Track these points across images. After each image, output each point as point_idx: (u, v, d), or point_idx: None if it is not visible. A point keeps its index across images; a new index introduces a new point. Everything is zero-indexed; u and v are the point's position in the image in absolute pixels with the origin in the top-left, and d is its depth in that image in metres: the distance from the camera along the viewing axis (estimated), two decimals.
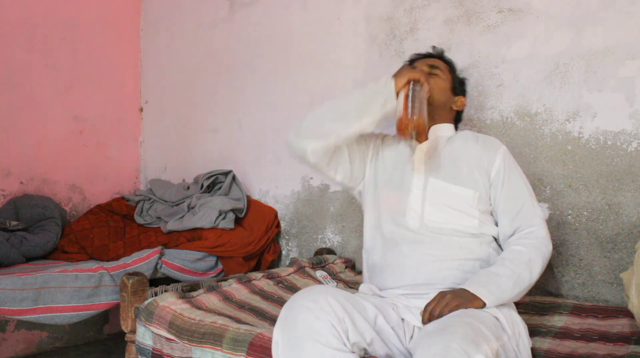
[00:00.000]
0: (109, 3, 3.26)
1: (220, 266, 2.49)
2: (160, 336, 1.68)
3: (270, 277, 2.11)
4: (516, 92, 2.00)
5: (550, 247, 1.47)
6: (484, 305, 1.29)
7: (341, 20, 2.51)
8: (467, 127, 2.11)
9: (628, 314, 1.54)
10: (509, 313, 1.35)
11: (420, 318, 1.35)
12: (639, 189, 1.74)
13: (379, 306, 1.35)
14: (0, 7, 2.79)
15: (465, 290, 1.31)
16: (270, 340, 1.37)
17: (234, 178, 2.76)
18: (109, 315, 3.03)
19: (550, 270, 1.92)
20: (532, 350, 1.40)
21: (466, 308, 1.26)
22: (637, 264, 1.38)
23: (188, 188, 2.86)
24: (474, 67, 2.10)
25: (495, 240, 1.53)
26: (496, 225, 1.53)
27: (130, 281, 1.79)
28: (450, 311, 1.25)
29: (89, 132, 3.17)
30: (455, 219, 1.48)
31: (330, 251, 2.45)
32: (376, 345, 1.27)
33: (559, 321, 1.61)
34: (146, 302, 1.75)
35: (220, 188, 2.72)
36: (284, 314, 1.25)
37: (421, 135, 1.57)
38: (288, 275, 2.17)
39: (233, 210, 2.59)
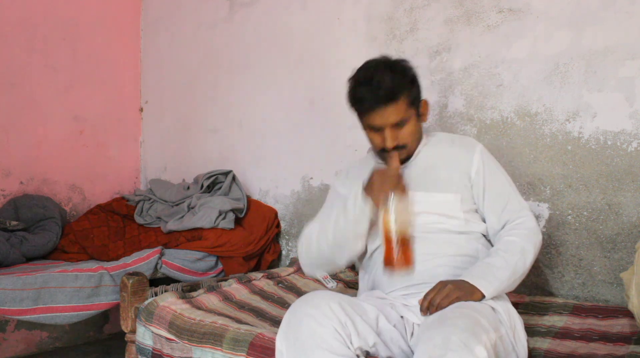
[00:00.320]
0: (109, 3, 3.26)
1: (220, 266, 2.49)
2: (160, 336, 1.68)
3: (270, 277, 2.11)
4: (516, 92, 2.00)
5: (540, 236, 1.48)
6: (482, 297, 1.30)
7: (341, 20, 2.51)
8: (467, 127, 2.11)
9: (628, 314, 1.54)
10: (506, 305, 1.37)
11: (419, 315, 1.35)
12: (639, 189, 1.74)
13: (380, 307, 1.35)
14: (0, 7, 2.79)
15: (465, 281, 1.32)
16: (270, 340, 1.38)
17: (234, 178, 2.76)
18: (109, 315, 3.03)
19: (550, 270, 1.92)
20: (532, 350, 1.40)
21: (466, 300, 1.27)
22: (637, 264, 1.38)
23: (188, 188, 2.86)
24: (474, 67, 2.10)
25: (484, 236, 1.54)
26: (483, 221, 1.54)
27: (130, 281, 1.78)
28: (450, 303, 1.25)
29: (89, 132, 3.17)
30: (441, 221, 1.48)
31: None
32: (379, 347, 1.27)
33: (559, 321, 1.61)
34: (146, 302, 1.75)
35: (220, 188, 2.72)
36: (286, 322, 1.25)
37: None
38: (288, 275, 2.17)
39: (233, 210, 2.59)
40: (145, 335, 1.73)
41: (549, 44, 1.92)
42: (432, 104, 2.21)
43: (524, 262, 1.40)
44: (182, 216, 2.64)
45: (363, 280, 1.62)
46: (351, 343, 1.20)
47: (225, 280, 2.01)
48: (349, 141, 2.41)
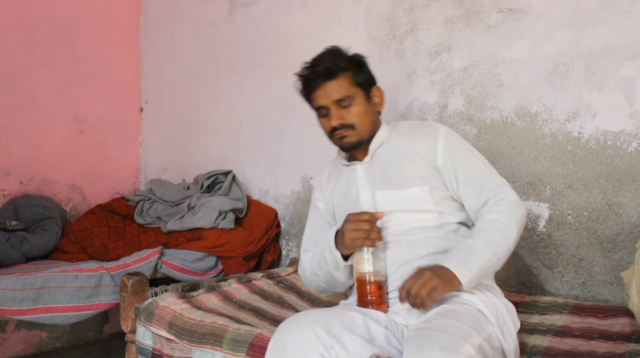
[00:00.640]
0: (109, 3, 3.27)
1: (220, 266, 2.49)
2: (160, 336, 1.68)
3: (270, 277, 2.11)
4: (516, 92, 2.00)
5: (523, 210, 1.41)
6: (460, 284, 1.26)
7: (341, 20, 2.51)
8: (467, 127, 2.11)
9: (628, 313, 1.54)
10: (491, 302, 1.33)
11: (406, 317, 1.35)
12: (639, 189, 1.74)
13: (366, 311, 1.35)
14: (0, 7, 2.79)
15: (444, 267, 1.27)
16: (270, 340, 1.38)
17: (234, 178, 2.76)
18: (109, 315, 3.03)
19: (550, 270, 1.92)
20: (532, 347, 1.40)
21: (444, 289, 1.23)
22: (638, 263, 1.38)
23: (188, 188, 2.86)
24: (474, 67, 2.10)
25: (464, 223, 1.49)
26: (460, 208, 1.49)
27: (130, 281, 1.78)
28: (428, 292, 1.22)
29: (89, 132, 3.17)
30: (413, 218, 1.44)
31: None
32: (378, 352, 1.27)
33: (559, 320, 1.61)
34: (146, 302, 1.75)
35: (220, 188, 2.72)
36: (271, 349, 1.24)
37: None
38: (288, 274, 2.17)
39: (233, 210, 2.60)
40: (145, 335, 1.73)
41: (549, 44, 1.92)
42: (432, 104, 2.21)
43: (507, 240, 1.34)
44: (182, 216, 2.64)
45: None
46: None
47: (225, 280, 2.01)
48: None
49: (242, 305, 1.83)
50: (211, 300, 1.82)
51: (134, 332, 1.78)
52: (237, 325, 1.56)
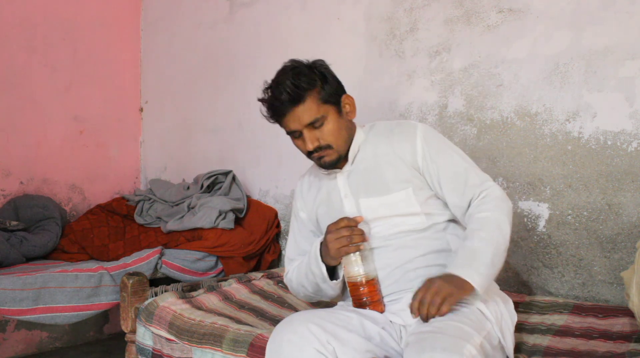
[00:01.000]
0: (109, 3, 3.27)
1: (220, 266, 2.49)
2: (160, 336, 1.68)
3: (270, 277, 2.11)
4: (516, 92, 2.00)
5: (509, 203, 1.40)
6: (473, 289, 1.24)
7: (341, 20, 2.51)
8: (467, 127, 2.11)
9: (628, 313, 1.54)
10: (490, 299, 1.33)
11: (405, 317, 1.34)
12: (639, 189, 1.74)
13: (362, 312, 1.35)
14: (0, 7, 2.79)
15: (452, 275, 1.25)
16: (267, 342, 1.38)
17: (234, 178, 2.76)
18: (109, 315, 3.03)
19: (550, 270, 1.92)
20: (532, 346, 1.41)
21: (458, 296, 1.22)
22: (638, 263, 1.38)
23: (188, 188, 2.86)
24: (474, 67, 2.10)
25: (452, 221, 1.47)
26: (445, 206, 1.46)
27: (130, 282, 1.78)
28: (443, 300, 1.20)
29: (89, 132, 3.17)
30: (401, 222, 1.43)
31: None
32: (375, 351, 1.27)
33: (559, 320, 1.61)
34: (146, 302, 1.75)
35: (220, 188, 2.72)
36: (268, 350, 1.24)
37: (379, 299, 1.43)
38: None
39: (233, 210, 2.60)
40: (145, 335, 1.73)
41: (549, 44, 1.92)
42: (432, 104, 2.21)
43: (504, 236, 1.33)
44: (182, 216, 2.64)
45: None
46: None
47: (225, 280, 2.01)
48: None
49: (242, 305, 1.83)
50: (211, 300, 1.82)
51: (134, 332, 1.78)
52: (237, 325, 1.56)
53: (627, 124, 1.77)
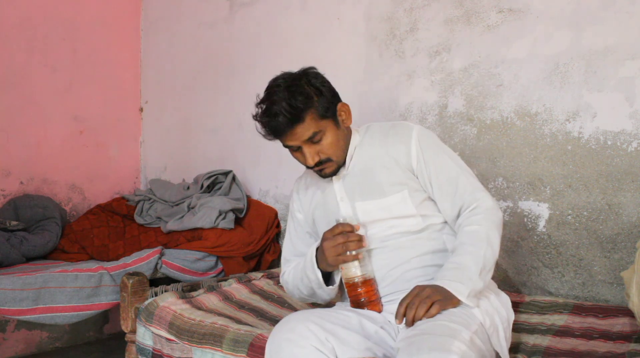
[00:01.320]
0: (109, 3, 3.27)
1: (220, 266, 2.49)
2: (161, 336, 1.68)
3: (270, 277, 2.11)
4: (516, 92, 2.00)
5: (500, 214, 1.40)
6: (460, 303, 1.25)
7: (341, 21, 2.51)
8: (467, 127, 2.11)
9: (628, 313, 1.54)
10: (482, 296, 1.32)
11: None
12: (639, 189, 1.74)
13: (360, 311, 1.35)
14: (0, 7, 2.79)
15: (441, 286, 1.25)
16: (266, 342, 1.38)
17: (234, 178, 2.76)
18: (109, 315, 3.03)
19: (550, 270, 1.92)
20: (532, 346, 1.40)
21: (444, 307, 1.22)
22: (638, 263, 1.38)
23: (188, 188, 2.86)
24: (474, 67, 2.10)
25: (447, 222, 1.48)
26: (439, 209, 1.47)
27: (130, 282, 1.78)
28: (431, 305, 1.20)
29: (89, 132, 3.17)
30: (397, 224, 1.43)
31: None
32: (374, 349, 1.27)
33: (559, 320, 1.61)
34: (146, 302, 1.75)
35: (220, 188, 2.72)
36: (267, 350, 1.25)
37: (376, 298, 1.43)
38: None
39: (233, 210, 2.60)
40: (145, 335, 1.73)
41: (549, 44, 1.92)
42: (432, 104, 2.21)
43: (492, 250, 1.33)
44: (182, 216, 2.64)
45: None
46: (336, 356, 1.19)
47: (225, 280, 2.01)
48: None
49: (242, 305, 1.83)
50: (211, 300, 1.82)
51: (134, 332, 1.78)
52: (238, 325, 1.56)
53: (627, 124, 1.77)
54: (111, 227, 2.77)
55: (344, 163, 1.50)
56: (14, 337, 2.73)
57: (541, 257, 1.93)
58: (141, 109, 3.45)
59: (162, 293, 1.81)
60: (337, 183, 1.51)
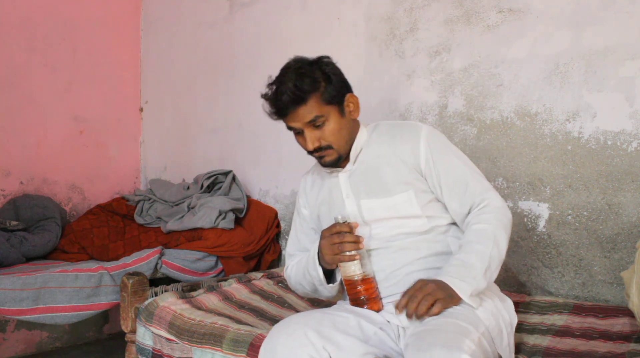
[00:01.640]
0: (109, 3, 3.27)
1: (220, 266, 2.49)
2: (160, 336, 1.68)
3: (270, 277, 2.11)
4: (516, 92, 2.00)
5: (509, 215, 1.39)
6: (461, 301, 1.25)
7: (341, 21, 2.51)
8: (467, 127, 2.11)
9: (628, 313, 1.54)
10: (488, 298, 1.33)
11: (403, 319, 1.33)
12: (639, 189, 1.74)
13: (360, 312, 1.35)
14: (0, 7, 2.79)
15: (444, 282, 1.26)
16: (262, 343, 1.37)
17: (234, 178, 2.76)
18: (109, 315, 3.03)
19: (550, 270, 1.92)
20: (532, 346, 1.40)
21: (446, 304, 1.22)
22: (638, 263, 1.38)
23: (188, 188, 2.86)
24: (474, 67, 2.10)
25: (453, 223, 1.47)
26: (447, 210, 1.45)
27: (130, 281, 1.78)
28: (433, 303, 1.21)
29: (89, 132, 3.17)
30: (402, 224, 1.42)
31: None
32: (372, 352, 1.27)
33: (559, 320, 1.61)
34: (146, 302, 1.75)
35: (220, 188, 2.72)
36: (263, 349, 1.25)
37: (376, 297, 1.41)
38: None
39: (233, 210, 2.60)
40: (145, 335, 1.73)
41: (549, 44, 1.92)
42: (432, 104, 2.21)
43: (499, 251, 1.33)
44: (182, 216, 2.64)
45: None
46: None
47: (225, 280, 2.01)
48: None
49: (242, 305, 1.83)
50: (211, 300, 1.82)
51: (134, 332, 1.78)
52: (238, 325, 1.56)
53: (627, 124, 1.77)
54: (111, 227, 2.77)
55: (347, 156, 1.49)
56: (14, 337, 2.73)
57: (541, 257, 1.93)
58: (141, 109, 3.45)
59: (162, 293, 1.81)
60: (343, 179, 1.51)
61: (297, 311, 1.85)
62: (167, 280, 2.26)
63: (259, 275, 2.11)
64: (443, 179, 1.42)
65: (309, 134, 1.43)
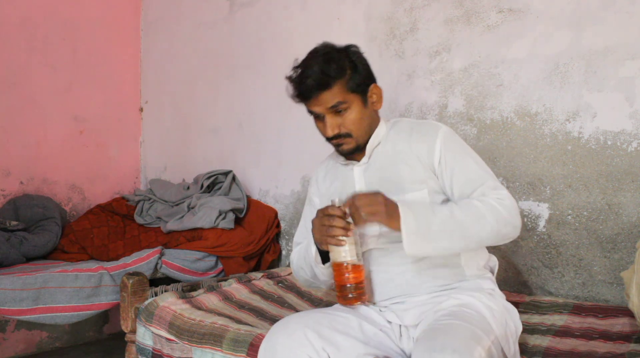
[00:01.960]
0: (109, 3, 3.27)
1: (220, 266, 2.49)
2: (160, 336, 1.68)
3: (270, 277, 2.11)
4: (516, 92, 2.00)
5: (515, 222, 1.30)
6: (397, 228, 1.22)
7: (341, 21, 2.51)
8: (467, 127, 2.11)
9: (628, 313, 1.54)
10: (494, 307, 1.31)
11: (405, 319, 1.34)
12: (639, 189, 1.74)
13: (362, 313, 1.34)
14: (0, 7, 2.79)
15: (397, 207, 1.23)
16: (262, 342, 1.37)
17: (234, 178, 2.76)
18: (109, 315, 3.03)
19: (550, 270, 1.92)
20: (532, 347, 1.40)
21: (382, 221, 1.22)
22: (638, 263, 1.38)
23: (188, 188, 2.86)
24: (474, 67, 2.10)
25: None
26: None
27: (130, 281, 1.78)
28: (368, 213, 1.22)
29: (89, 132, 3.17)
30: None
31: None
32: (374, 352, 1.27)
33: (559, 320, 1.61)
34: (146, 302, 1.75)
35: (220, 188, 2.72)
36: (263, 348, 1.25)
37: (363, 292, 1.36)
38: (288, 274, 2.17)
39: (233, 210, 2.60)
40: (145, 335, 1.73)
41: (549, 44, 1.92)
42: (432, 104, 2.21)
43: (477, 229, 1.25)
44: (182, 216, 2.64)
45: None
46: None
47: (225, 280, 2.01)
48: None
49: (242, 305, 1.83)
50: (211, 300, 1.82)
51: (134, 332, 1.78)
52: (237, 325, 1.56)
53: (627, 124, 1.77)
54: (111, 227, 2.77)
55: (364, 147, 1.47)
56: (14, 337, 2.73)
57: (541, 257, 1.93)
58: (141, 109, 3.45)
59: (162, 293, 1.81)
60: (357, 173, 1.49)
61: (297, 311, 1.85)
62: (167, 280, 2.26)
63: (259, 275, 2.11)
64: (455, 179, 1.39)
65: (330, 120, 1.41)
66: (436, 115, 2.19)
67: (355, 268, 1.31)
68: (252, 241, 2.55)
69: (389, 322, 1.36)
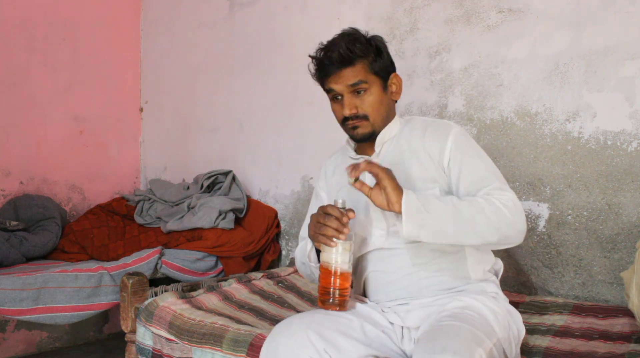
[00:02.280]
0: (109, 3, 3.27)
1: (220, 266, 2.49)
2: (160, 336, 1.68)
3: (270, 277, 2.11)
4: (516, 92, 2.00)
5: (519, 225, 1.27)
6: (398, 212, 1.22)
7: (341, 21, 2.51)
8: (467, 127, 2.11)
9: (628, 313, 1.54)
10: (497, 310, 1.31)
11: (407, 320, 1.33)
12: (639, 189, 1.74)
13: (364, 314, 1.34)
14: (0, 7, 2.79)
15: (401, 194, 1.22)
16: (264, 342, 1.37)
17: (234, 178, 2.76)
18: (109, 315, 3.03)
19: (550, 270, 1.92)
20: (532, 347, 1.40)
21: (381, 205, 1.23)
22: (638, 263, 1.38)
23: (188, 188, 2.86)
24: (474, 67, 2.10)
25: None
26: None
27: (130, 281, 1.78)
28: (375, 187, 1.23)
29: (89, 132, 3.17)
30: None
31: None
32: (376, 354, 1.26)
33: (559, 320, 1.61)
34: (146, 302, 1.75)
35: (220, 188, 2.72)
36: (265, 349, 1.24)
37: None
38: (288, 274, 2.17)
39: (233, 210, 2.60)
40: (145, 335, 1.73)
41: (549, 44, 1.92)
42: (432, 104, 2.21)
43: (476, 221, 1.23)
44: (182, 216, 2.64)
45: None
46: None
47: (225, 280, 2.01)
48: None
49: (242, 305, 1.83)
50: (211, 300, 1.82)
51: (134, 332, 1.78)
52: (237, 325, 1.56)
53: (627, 124, 1.77)
54: (111, 227, 2.77)
55: (375, 136, 1.45)
56: (14, 337, 2.73)
57: (541, 257, 1.93)
58: (141, 109, 3.45)
59: (162, 293, 1.81)
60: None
61: (297, 311, 1.85)
62: (167, 280, 2.26)
63: (259, 275, 2.11)
64: (462, 178, 1.37)
65: (348, 99, 1.40)
66: (436, 115, 2.19)
67: (343, 274, 1.27)
68: (252, 241, 2.55)
69: (391, 323, 1.36)
